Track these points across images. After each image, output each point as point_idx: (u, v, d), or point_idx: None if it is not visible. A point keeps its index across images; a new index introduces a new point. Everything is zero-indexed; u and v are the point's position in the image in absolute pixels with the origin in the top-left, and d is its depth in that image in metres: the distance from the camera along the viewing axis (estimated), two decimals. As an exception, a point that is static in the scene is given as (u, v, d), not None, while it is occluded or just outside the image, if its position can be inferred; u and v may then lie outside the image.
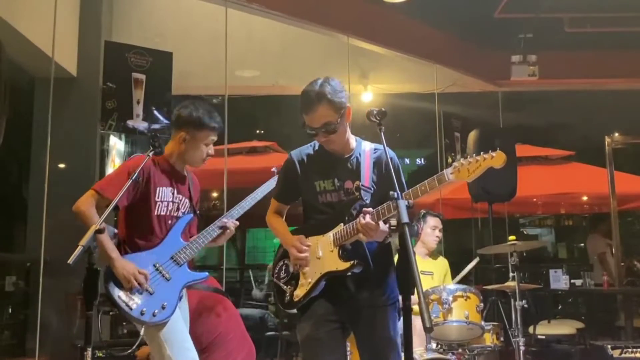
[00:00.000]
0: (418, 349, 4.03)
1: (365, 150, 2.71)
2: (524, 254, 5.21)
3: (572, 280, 7.15)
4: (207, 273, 3.20)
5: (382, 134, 2.45)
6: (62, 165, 5.53)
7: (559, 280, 6.91)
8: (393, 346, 2.61)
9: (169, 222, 3.10)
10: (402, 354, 2.64)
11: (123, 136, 6.40)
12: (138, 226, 3.06)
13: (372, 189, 2.64)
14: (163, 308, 2.89)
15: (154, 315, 2.86)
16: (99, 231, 2.49)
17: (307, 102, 2.57)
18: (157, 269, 2.97)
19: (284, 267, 2.76)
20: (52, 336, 5.00)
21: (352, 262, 2.54)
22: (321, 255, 2.62)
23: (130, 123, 5.50)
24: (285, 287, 2.72)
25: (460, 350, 4.26)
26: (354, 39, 6.70)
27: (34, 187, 5.58)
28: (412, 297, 2.11)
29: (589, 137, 8.98)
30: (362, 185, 2.62)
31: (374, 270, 2.61)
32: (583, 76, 7.90)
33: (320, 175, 2.69)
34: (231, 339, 3.60)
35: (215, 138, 3.18)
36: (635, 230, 12.35)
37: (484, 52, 7.69)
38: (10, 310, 6.16)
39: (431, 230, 4.84)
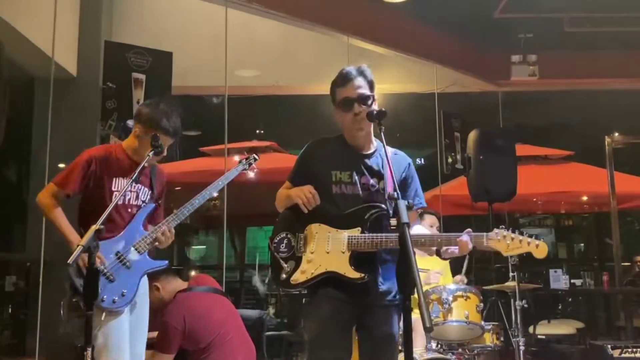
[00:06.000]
0: (418, 349, 4.03)
1: (387, 153, 2.53)
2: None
3: (572, 280, 7.15)
4: (166, 261, 3.23)
5: (382, 134, 2.47)
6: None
7: (559, 280, 6.92)
8: (393, 343, 2.66)
9: (129, 210, 3.14)
10: (399, 354, 2.75)
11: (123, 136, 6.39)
12: (97, 215, 3.05)
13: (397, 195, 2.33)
14: (123, 295, 2.98)
15: (113, 302, 2.95)
16: (99, 231, 2.51)
17: (345, 75, 2.67)
18: (118, 258, 3.02)
19: (285, 241, 2.68)
20: (52, 336, 4.99)
21: (362, 275, 2.51)
22: (330, 250, 2.58)
23: (130, 123, 5.48)
24: (284, 263, 2.64)
25: (460, 350, 4.27)
26: (354, 39, 6.69)
27: (34, 187, 5.58)
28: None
29: (589, 137, 8.94)
30: (390, 192, 2.34)
31: (382, 275, 2.63)
32: (583, 76, 7.88)
33: (338, 166, 2.68)
34: (231, 339, 3.61)
35: (167, 141, 3.12)
36: (635, 230, 12.34)
37: (484, 52, 7.68)
38: (10, 310, 6.17)
39: (428, 229, 4.86)
